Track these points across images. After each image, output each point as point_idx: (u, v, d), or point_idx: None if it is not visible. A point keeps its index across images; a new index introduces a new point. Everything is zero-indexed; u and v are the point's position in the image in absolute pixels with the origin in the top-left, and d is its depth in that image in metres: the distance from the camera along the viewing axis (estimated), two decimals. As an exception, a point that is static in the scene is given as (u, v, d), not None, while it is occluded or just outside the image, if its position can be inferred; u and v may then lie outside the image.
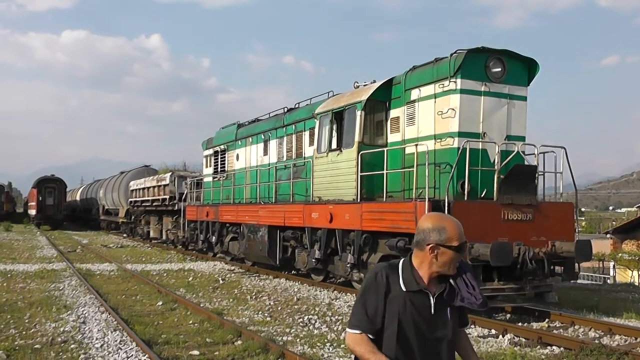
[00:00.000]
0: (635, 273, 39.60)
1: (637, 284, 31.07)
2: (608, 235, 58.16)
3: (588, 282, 29.77)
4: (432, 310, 4.01)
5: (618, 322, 14.54)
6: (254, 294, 18.92)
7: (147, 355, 11.14)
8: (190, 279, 22.90)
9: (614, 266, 43.04)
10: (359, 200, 16.74)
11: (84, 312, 15.37)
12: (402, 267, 4.09)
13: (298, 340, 12.67)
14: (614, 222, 79.84)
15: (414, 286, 4.00)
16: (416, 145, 15.31)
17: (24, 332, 13.18)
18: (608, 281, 37.06)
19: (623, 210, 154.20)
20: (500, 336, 13.15)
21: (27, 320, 14.41)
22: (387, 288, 4.00)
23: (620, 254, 46.71)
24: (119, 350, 11.60)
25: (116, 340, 12.35)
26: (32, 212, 72.13)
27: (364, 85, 18.45)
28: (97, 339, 12.55)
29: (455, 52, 15.32)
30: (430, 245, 3.96)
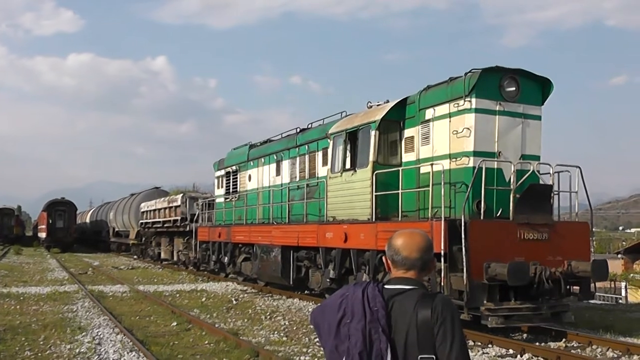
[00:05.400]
0: (648, 293, 39.28)
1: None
2: (619, 256, 57.89)
3: (601, 303, 29.52)
4: None
5: (636, 342, 14.41)
6: (268, 314, 18.87)
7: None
8: (204, 299, 22.85)
9: (625, 286, 42.67)
10: (374, 219, 16.71)
11: (99, 334, 15.33)
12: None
13: (316, 359, 12.62)
14: (624, 242, 79.47)
15: None
16: (432, 164, 15.29)
17: (39, 354, 13.16)
18: (620, 301, 36.78)
19: (633, 230, 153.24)
20: (519, 356, 13.08)
21: (42, 342, 14.37)
22: None
23: (632, 274, 46.41)
24: (137, 371, 11.58)
25: (133, 361, 12.35)
26: (43, 235, 72.17)
27: (377, 105, 18.46)
28: (113, 360, 12.54)
29: (469, 72, 15.33)
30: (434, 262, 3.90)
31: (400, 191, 16.04)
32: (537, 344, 14.24)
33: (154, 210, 44.69)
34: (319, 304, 3.97)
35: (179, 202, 39.01)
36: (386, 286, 3.74)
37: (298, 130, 23.71)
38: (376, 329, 3.55)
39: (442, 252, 13.89)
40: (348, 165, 18.21)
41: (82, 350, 13.43)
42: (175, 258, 40.96)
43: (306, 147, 21.93)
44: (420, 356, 3.51)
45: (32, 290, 25.89)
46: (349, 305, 3.67)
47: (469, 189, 14.36)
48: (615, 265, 52.28)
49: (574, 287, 15.46)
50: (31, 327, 16.50)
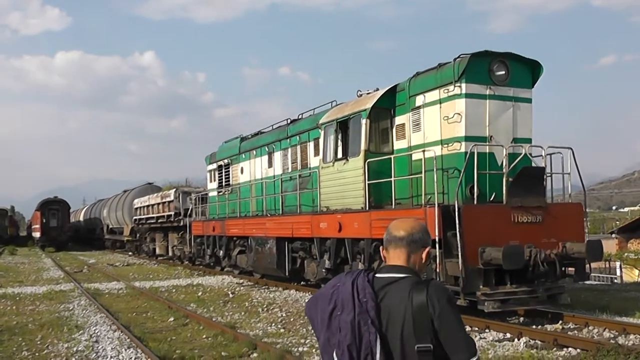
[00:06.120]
0: (643, 272, 39.37)
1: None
2: (613, 235, 57.90)
3: (596, 283, 29.61)
4: None
5: (632, 322, 14.47)
6: (265, 306, 18.87)
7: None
8: (200, 293, 22.85)
9: (620, 266, 42.76)
10: (367, 208, 16.70)
11: (96, 331, 15.31)
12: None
13: (314, 350, 12.61)
14: (617, 222, 79.58)
15: None
16: (423, 151, 15.28)
17: (37, 354, 13.14)
18: (615, 281, 36.89)
19: (626, 209, 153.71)
20: (516, 339, 13.08)
21: (39, 342, 14.35)
22: None
23: (626, 254, 46.48)
24: (135, 368, 11.58)
25: (131, 358, 12.35)
26: (36, 234, 72.03)
27: (367, 94, 18.41)
28: (111, 357, 12.53)
29: (458, 57, 15.29)
30: (427, 249, 3.81)
31: (393, 179, 16.00)
32: (534, 327, 14.28)
33: (148, 206, 44.63)
34: (312, 296, 3.92)
35: (172, 197, 38.98)
36: (377, 275, 3.68)
37: (289, 121, 23.68)
38: (365, 321, 3.49)
39: (437, 238, 13.87)
40: (340, 155, 18.19)
41: (79, 348, 13.42)
42: (170, 253, 40.96)
43: (297, 137, 21.88)
44: (417, 345, 3.44)
45: (28, 290, 25.82)
46: (339, 296, 3.61)
47: (461, 174, 14.34)
48: (610, 245, 52.30)
49: (569, 269, 15.52)
50: (28, 327, 16.45)
